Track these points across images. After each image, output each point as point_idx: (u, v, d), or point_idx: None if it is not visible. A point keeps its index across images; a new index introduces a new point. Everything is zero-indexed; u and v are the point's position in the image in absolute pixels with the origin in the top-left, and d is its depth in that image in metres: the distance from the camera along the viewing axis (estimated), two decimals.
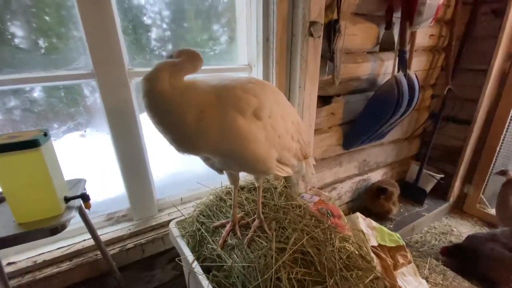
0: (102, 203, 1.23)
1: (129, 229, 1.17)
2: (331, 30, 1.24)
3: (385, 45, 1.49)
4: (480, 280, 1.42)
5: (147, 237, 1.17)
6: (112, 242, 1.12)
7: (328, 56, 1.31)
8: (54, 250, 1.05)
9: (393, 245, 1.30)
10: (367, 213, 1.86)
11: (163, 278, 1.28)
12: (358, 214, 1.41)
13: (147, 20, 1.07)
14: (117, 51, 0.97)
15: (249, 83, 0.68)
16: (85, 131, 1.06)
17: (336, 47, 1.27)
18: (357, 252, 0.81)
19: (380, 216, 1.84)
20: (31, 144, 0.59)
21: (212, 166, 0.78)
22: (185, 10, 1.12)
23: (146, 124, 1.17)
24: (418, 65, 1.77)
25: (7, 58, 0.88)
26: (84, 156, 1.13)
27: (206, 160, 0.76)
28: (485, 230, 1.89)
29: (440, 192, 2.06)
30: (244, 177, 1.11)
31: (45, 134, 0.64)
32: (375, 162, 1.94)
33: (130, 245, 1.13)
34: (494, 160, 1.90)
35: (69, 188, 0.78)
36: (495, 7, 1.60)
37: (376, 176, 2.01)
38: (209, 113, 0.59)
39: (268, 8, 1.12)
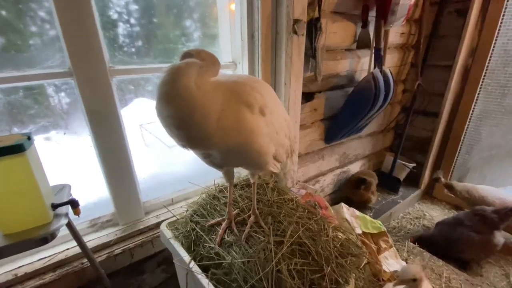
0: (83, 208, 1.16)
1: (116, 234, 1.13)
2: (313, 28, 1.28)
3: (361, 43, 1.56)
4: (452, 260, 1.57)
5: (136, 241, 1.13)
6: (98, 249, 1.08)
7: (310, 53, 1.34)
8: (35, 261, 0.98)
9: (375, 231, 1.39)
10: (349, 203, 1.94)
11: (153, 282, 1.26)
12: (342, 204, 1.48)
13: (124, 16, 1.03)
14: (97, 48, 0.92)
15: (254, 82, 0.71)
16: (64, 133, 1.00)
17: (318, 45, 1.31)
18: (348, 239, 0.86)
19: (361, 205, 1.94)
20: (16, 149, 0.54)
21: (211, 162, 0.77)
22: (157, 5, 1.08)
23: (128, 124, 1.13)
24: (391, 61, 1.88)
25: None
26: (61, 160, 1.06)
27: (207, 156, 0.76)
28: (453, 213, 2.08)
29: (413, 180, 2.22)
30: (236, 172, 1.11)
31: (29, 138, 0.59)
32: (354, 155, 2.04)
33: (118, 251, 1.09)
34: (459, 148, 2.09)
35: (54, 195, 0.73)
36: (458, 7, 1.74)
37: (355, 168, 2.11)
38: (227, 112, 0.61)
39: (252, 5, 1.12)
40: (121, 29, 1.04)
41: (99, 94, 0.98)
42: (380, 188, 2.19)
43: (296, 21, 1.13)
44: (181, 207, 1.26)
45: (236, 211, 0.92)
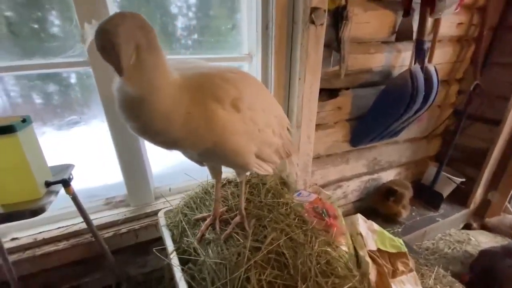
0: (102, 188, 1.27)
1: (125, 215, 1.21)
2: (339, 17, 1.15)
3: (402, 34, 1.35)
4: None
5: (141, 223, 1.20)
6: (108, 226, 1.17)
7: (334, 46, 1.22)
8: (54, 229, 1.11)
9: (393, 251, 1.22)
10: (375, 215, 1.77)
11: (157, 264, 1.32)
12: (358, 215, 1.34)
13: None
14: None
15: (229, 73, 0.64)
16: (80, 118, 1.09)
17: (343, 36, 1.17)
18: (339, 258, 0.76)
19: (389, 218, 1.74)
20: (7, 130, 0.60)
21: (191, 158, 0.76)
22: None
23: None
24: (442, 57, 1.60)
25: (8, 46, 0.92)
26: (87, 143, 1.17)
27: (184, 153, 0.75)
28: (507, 241, 1.72)
29: (460, 197, 1.90)
30: (232, 172, 1.09)
31: (24, 121, 0.65)
32: (387, 161, 1.82)
33: (124, 230, 1.17)
34: None
35: (55, 173, 0.80)
36: None
37: (387, 176, 1.89)
38: (194, 112, 0.55)
39: None
40: None
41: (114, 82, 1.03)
42: (417, 202, 1.93)
43: (314, 9, 1.03)
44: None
45: (224, 208, 0.89)
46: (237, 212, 0.86)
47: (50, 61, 0.96)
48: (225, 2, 1.14)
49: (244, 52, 1.25)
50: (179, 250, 0.84)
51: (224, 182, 1.03)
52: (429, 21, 1.32)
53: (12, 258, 1.00)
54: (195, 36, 1.16)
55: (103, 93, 1.02)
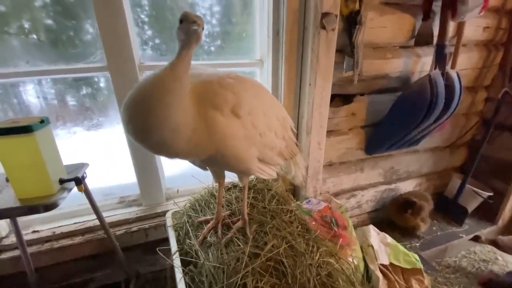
0: (118, 187, 1.33)
1: (136, 213, 1.25)
2: (352, 22, 1.13)
3: (421, 39, 1.30)
4: None
5: (151, 223, 1.23)
6: (120, 223, 1.21)
7: (348, 51, 1.19)
8: (71, 224, 1.17)
9: (408, 266, 1.15)
10: (392, 227, 1.69)
11: (165, 263, 1.34)
12: (370, 226, 1.28)
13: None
14: (128, 46, 1.01)
15: (227, 78, 0.65)
16: (98, 120, 1.15)
17: (356, 41, 1.15)
18: (341, 270, 0.73)
19: (406, 232, 1.65)
20: (26, 130, 0.65)
21: (193, 163, 0.78)
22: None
23: None
24: (467, 62, 1.51)
25: (34, 52, 1.00)
26: (105, 144, 1.23)
27: (187, 159, 0.76)
28: None
29: (487, 212, 1.75)
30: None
31: (42, 121, 0.71)
32: (405, 171, 1.74)
33: (134, 228, 1.21)
34: None
35: (71, 171, 0.85)
36: None
37: (406, 187, 1.79)
38: (199, 124, 0.56)
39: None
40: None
41: (129, 86, 1.08)
42: (438, 216, 1.81)
43: (325, 14, 1.01)
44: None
45: (227, 212, 0.90)
46: (240, 216, 0.86)
47: (73, 66, 1.03)
48: (240, 9, 1.17)
49: (256, 57, 1.26)
50: (182, 251, 0.86)
51: (229, 186, 1.04)
52: (452, 24, 1.26)
53: (32, 249, 1.07)
54: (212, 43, 1.19)
55: (119, 96, 1.08)
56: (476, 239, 1.48)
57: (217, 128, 0.58)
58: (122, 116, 0.56)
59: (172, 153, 0.60)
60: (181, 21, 0.52)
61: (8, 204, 0.69)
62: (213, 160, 0.64)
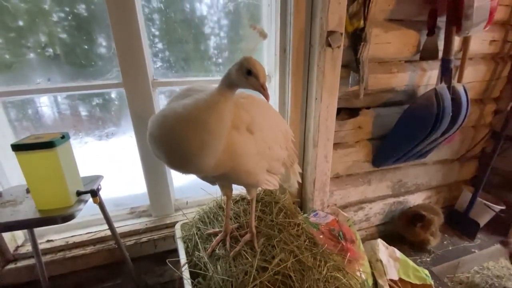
0: (128, 197, 1.37)
1: (146, 224, 1.28)
2: (357, 39, 1.16)
3: (426, 53, 1.32)
4: None
5: (160, 234, 1.25)
6: (130, 234, 1.24)
7: (353, 66, 1.22)
8: (84, 234, 1.21)
9: (417, 282, 1.13)
10: (401, 241, 1.66)
11: (175, 275, 1.36)
12: (379, 240, 1.27)
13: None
14: (142, 64, 1.07)
15: (241, 98, 0.70)
16: (114, 136, 1.20)
17: (361, 57, 1.17)
18: (349, 285, 0.73)
19: (416, 246, 1.62)
20: (48, 145, 0.70)
21: (203, 179, 0.80)
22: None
23: None
24: (474, 75, 1.52)
25: (54, 70, 1.06)
26: (117, 155, 1.28)
27: (198, 175, 0.78)
28: None
29: (499, 226, 1.71)
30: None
31: (63, 137, 0.75)
32: (414, 184, 1.72)
33: (144, 239, 1.23)
34: None
35: (86, 183, 0.89)
36: None
37: (415, 200, 1.77)
38: (224, 148, 0.60)
39: (285, 19, 1.10)
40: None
41: (143, 102, 1.13)
42: (450, 230, 1.77)
43: (330, 33, 1.05)
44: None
45: (235, 225, 0.91)
46: (248, 229, 0.87)
47: (92, 83, 1.09)
48: (248, 29, 1.22)
49: None
50: (191, 263, 0.87)
51: (238, 198, 1.06)
52: (457, 39, 1.28)
53: (46, 258, 1.10)
54: (222, 63, 1.24)
55: (133, 111, 1.13)
56: (505, 244, 1.43)
57: (236, 146, 0.62)
58: (158, 144, 0.60)
59: (194, 172, 0.64)
60: (249, 72, 0.54)
61: (29, 215, 0.73)
62: (226, 176, 0.67)
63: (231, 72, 0.56)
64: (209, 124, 0.54)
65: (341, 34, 1.06)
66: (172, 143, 0.56)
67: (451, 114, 1.23)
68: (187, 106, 0.55)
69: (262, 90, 0.55)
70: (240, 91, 0.73)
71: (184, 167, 0.62)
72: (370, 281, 1.10)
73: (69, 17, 1.02)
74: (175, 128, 0.55)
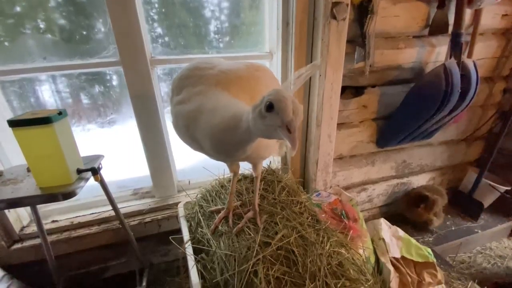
0: (131, 180, 1.37)
1: (149, 205, 1.28)
2: (364, 11, 1.11)
3: (436, 27, 1.26)
4: None
5: (163, 214, 1.26)
6: (134, 214, 1.25)
7: (359, 41, 1.17)
8: (88, 214, 1.22)
9: (420, 260, 1.14)
10: (404, 221, 1.66)
11: (178, 254, 1.38)
12: (382, 220, 1.27)
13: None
14: (139, 40, 1.03)
15: (256, 71, 0.69)
16: (111, 113, 1.18)
17: (368, 31, 1.12)
18: (352, 260, 0.73)
19: (418, 226, 1.62)
20: (45, 121, 0.68)
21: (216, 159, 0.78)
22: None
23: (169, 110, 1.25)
24: (485, 51, 1.46)
25: (50, 49, 1.03)
26: (119, 138, 1.26)
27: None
28: None
29: (504, 207, 1.70)
30: (248, 168, 1.09)
31: (60, 113, 0.73)
32: (418, 165, 1.70)
33: (148, 219, 1.24)
34: None
35: (87, 162, 0.88)
36: None
37: (419, 181, 1.76)
38: None
39: None
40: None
41: (141, 81, 1.10)
42: (453, 211, 1.77)
43: (335, 3, 1.00)
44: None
45: (238, 203, 0.91)
46: (251, 207, 0.87)
47: (88, 61, 1.06)
48: (249, 2, 1.16)
49: (265, 50, 1.26)
50: (194, 240, 0.88)
51: (240, 177, 1.04)
52: (468, 12, 1.22)
53: (51, 238, 1.11)
54: (223, 36, 1.20)
55: (132, 91, 1.10)
56: None
57: None
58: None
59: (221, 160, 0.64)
60: (270, 107, 0.40)
61: (30, 193, 0.73)
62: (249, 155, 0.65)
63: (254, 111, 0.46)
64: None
65: (347, 5, 1.01)
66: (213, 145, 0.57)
67: (459, 91, 1.18)
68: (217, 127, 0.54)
69: (286, 131, 0.39)
70: (247, 63, 0.70)
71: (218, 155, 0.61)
72: (373, 259, 1.11)
73: None
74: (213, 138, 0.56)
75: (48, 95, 1.11)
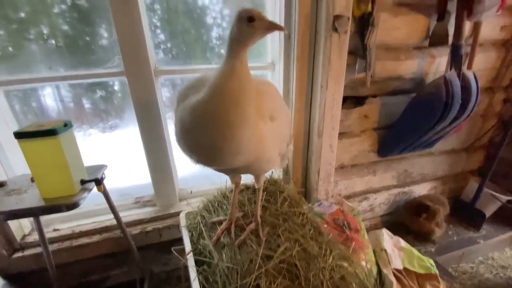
0: (133, 188, 1.37)
1: (151, 214, 1.28)
2: (365, 24, 1.12)
3: (436, 39, 1.27)
4: None
5: (165, 223, 1.26)
6: (135, 223, 1.25)
7: (360, 52, 1.19)
8: (89, 223, 1.22)
9: (422, 271, 1.13)
10: (405, 231, 1.66)
11: (179, 263, 1.37)
12: (383, 230, 1.27)
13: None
14: (144, 51, 1.05)
15: (261, 85, 0.69)
16: (118, 128, 1.19)
17: (369, 43, 1.14)
18: (355, 274, 0.73)
19: (420, 236, 1.62)
20: (50, 133, 0.69)
21: (220, 170, 0.77)
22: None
23: (171, 119, 1.26)
24: (484, 62, 1.47)
25: (56, 59, 1.05)
26: (121, 145, 1.27)
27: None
28: None
29: (506, 217, 1.69)
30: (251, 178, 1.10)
31: (65, 125, 0.74)
32: (419, 174, 1.70)
33: (149, 228, 1.24)
34: None
35: (90, 172, 0.89)
36: None
37: (420, 190, 1.76)
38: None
39: (290, 2, 1.07)
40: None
41: (145, 91, 1.12)
42: (455, 220, 1.76)
43: (337, 17, 1.01)
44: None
45: (240, 214, 0.91)
46: (253, 218, 0.87)
47: (93, 72, 1.07)
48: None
49: (267, 61, 1.27)
50: (196, 251, 0.87)
51: (242, 188, 1.05)
52: (467, 24, 1.23)
53: (52, 247, 1.11)
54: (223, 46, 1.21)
55: (136, 100, 1.11)
56: None
57: (263, 135, 0.61)
58: (185, 140, 0.59)
59: (226, 161, 0.60)
60: (250, 19, 0.52)
61: (33, 203, 0.73)
62: (248, 165, 0.65)
63: (234, 31, 0.54)
64: (234, 92, 0.52)
65: (348, 18, 1.03)
66: (209, 124, 0.53)
67: (460, 102, 1.19)
68: (211, 86, 0.53)
69: (273, 25, 0.53)
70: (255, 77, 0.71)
71: (219, 155, 0.58)
72: (375, 270, 1.10)
73: (70, 5, 1.00)
74: (208, 107, 0.53)
75: (50, 99, 1.12)
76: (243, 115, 0.52)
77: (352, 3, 1.02)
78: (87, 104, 1.19)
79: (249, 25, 0.52)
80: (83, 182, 0.81)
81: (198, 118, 0.53)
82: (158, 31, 1.13)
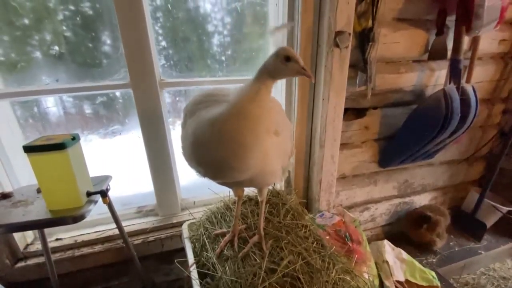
0: (135, 196, 1.38)
1: (153, 224, 1.29)
2: (365, 39, 1.15)
3: (435, 53, 1.30)
4: None
5: (167, 233, 1.26)
6: (137, 233, 1.25)
7: (361, 66, 1.21)
8: (92, 232, 1.22)
9: (424, 284, 1.13)
10: (406, 242, 1.66)
11: (181, 273, 1.37)
12: (385, 242, 1.27)
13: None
14: (149, 64, 1.07)
15: (270, 102, 0.70)
16: (120, 134, 1.21)
17: (369, 57, 1.16)
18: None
19: (421, 247, 1.62)
20: (59, 147, 0.71)
21: (224, 184, 0.79)
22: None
23: (175, 129, 1.28)
24: (483, 75, 1.50)
25: (63, 71, 1.07)
26: (125, 155, 1.28)
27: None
28: None
29: (506, 228, 1.70)
30: (254, 190, 1.11)
31: (73, 138, 0.76)
32: (420, 184, 1.71)
33: (151, 238, 1.24)
34: None
35: (96, 183, 0.90)
36: None
37: (421, 200, 1.77)
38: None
39: (293, 18, 1.10)
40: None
41: (150, 103, 1.14)
42: (456, 231, 1.76)
43: (338, 33, 1.04)
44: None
45: (243, 226, 0.92)
46: (256, 231, 0.88)
47: (99, 84, 1.09)
48: (255, 28, 1.21)
49: None
50: (199, 264, 0.88)
51: (245, 199, 1.06)
52: (466, 39, 1.26)
53: (55, 257, 1.12)
54: (230, 61, 1.24)
55: (141, 111, 1.13)
56: None
57: (268, 151, 0.62)
58: (196, 153, 0.61)
59: (234, 175, 0.62)
60: (288, 59, 0.56)
61: (40, 216, 0.74)
62: (252, 178, 0.66)
63: (269, 63, 0.58)
64: (254, 117, 0.55)
65: (349, 34, 1.06)
66: (224, 141, 0.55)
67: (459, 115, 1.21)
68: (233, 105, 0.55)
69: (304, 71, 0.57)
70: None
71: (227, 170, 0.60)
72: (377, 283, 1.10)
73: (76, 17, 1.03)
74: (226, 125, 0.55)
75: (53, 107, 1.13)
76: (257, 139, 0.56)
77: (353, 19, 1.05)
78: (88, 111, 1.20)
79: (284, 63, 0.57)
80: (89, 194, 0.82)
81: (216, 133, 0.55)
82: (163, 43, 1.15)
